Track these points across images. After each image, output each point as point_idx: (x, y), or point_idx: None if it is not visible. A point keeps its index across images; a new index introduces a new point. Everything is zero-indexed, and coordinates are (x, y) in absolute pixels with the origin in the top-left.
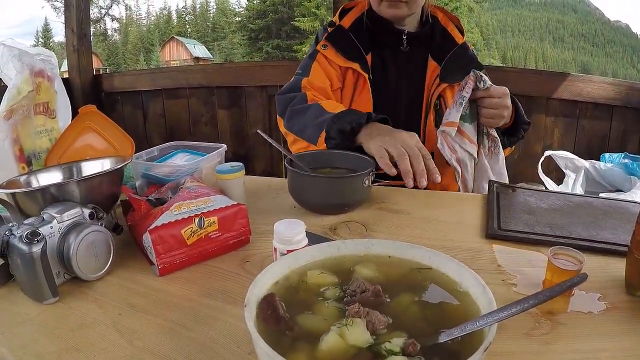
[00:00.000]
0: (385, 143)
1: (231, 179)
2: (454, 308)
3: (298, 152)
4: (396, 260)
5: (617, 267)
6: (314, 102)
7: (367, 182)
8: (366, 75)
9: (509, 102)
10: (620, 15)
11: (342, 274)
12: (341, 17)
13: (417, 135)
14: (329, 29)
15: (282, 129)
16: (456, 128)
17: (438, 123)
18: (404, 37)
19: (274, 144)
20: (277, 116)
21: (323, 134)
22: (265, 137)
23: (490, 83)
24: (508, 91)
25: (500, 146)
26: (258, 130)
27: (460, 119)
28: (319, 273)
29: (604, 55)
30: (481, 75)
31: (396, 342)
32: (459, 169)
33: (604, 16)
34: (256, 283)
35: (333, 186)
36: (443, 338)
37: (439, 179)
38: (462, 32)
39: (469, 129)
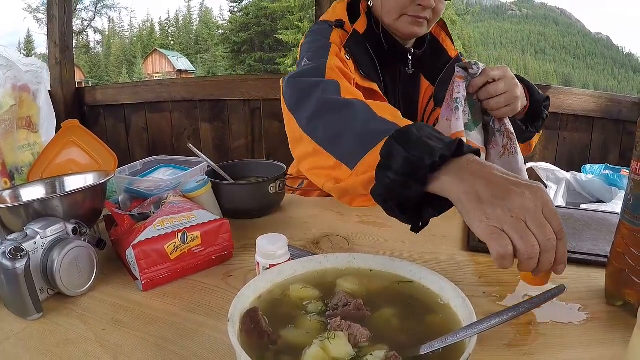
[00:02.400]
0: (503, 224)
1: (200, 194)
2: (435, 320)
3: (313, 172)
4: (378, 274)
5: (597, 277)
6: (355, 98)
7: (272, 189)
8: (386, 101)
9: (514, 79)
10: (601, 27)
11: (324, 288)
12: (350, 16)
13: (542, 190)
14: (340, 31)
15: (294, 130)
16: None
17: None
18: (410, 57)
19: (204, 158)
20: (286, 110)
21: (371, 156)
22: (195, 151)
23: (483, 65)
24: (507, 68)
25: (518, 144)
26: (189, 145)
27: (465, 128)
28: (302, 287)
29: (586, 67)
30: (469, 63)
31: (378, 354)
32: None
33: (585, 28)
34: (239, 298)
35: (239, 193)
36: (424, 350)
37: (562, 269)
38: (452, 40)
39: (475, 136)
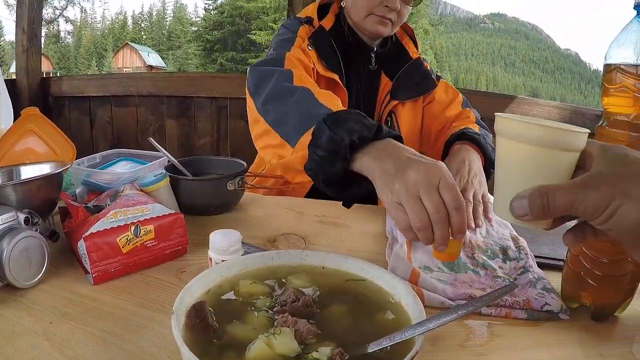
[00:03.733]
0: (401, 198)
1: (157, 188)
2: (385, 319)
3: (265, 150)
4: (330, 272)
5: (555, 280)
6: (302, 86)
7: (231, 185)
8: (345, 91)
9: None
10: (570, 44)
11: (274, 284)
12: (319, 14)
13: (442, 168)
14: (307, 27)
15: (253, 112)
16: None
17: None
18: (373, 55)
19: (164, 153)
20: (247, 95)
21: (307, 136)
22: (156, 146)
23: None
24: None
25: None
26: (150, 139)
27: None
28: (251, 282)
29: (553, 82)
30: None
31: (323, 351)
32: None
33: (554, 44)
34: (186, 291)
35: (197, 188)
36: (372, 348)
37: (461, 237)
38: (416, 46)
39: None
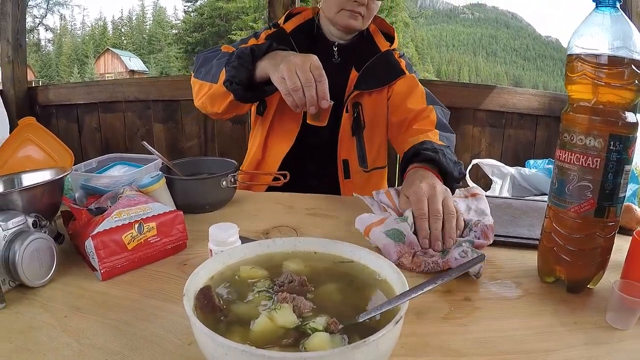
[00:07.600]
0: (283, 73)
1: (155, 189)
2: (373, 293)
3: (202, 100)
4: (321, 256)
5: (531, 258)
6: (227, 51)
7: (225, 183)
8: None
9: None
10: (551, 30)
11: (271, 269)
12: (286, 21)
13: (313, 56)
14: (271, 30)
15: (192, 83)
16: None
17: (355, 130)
18: (335, 49)
19: (158, 155)
20: (192, 74)
21: (224, 71)
22: (149, 149)
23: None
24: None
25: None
26: (143, 142)
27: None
28: (250, 268)
29: (535, 69)
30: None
31: (319, 321)
32: None
33: (535, 32)
34: (194, 275)
35: (192, 188)
36: (362, 317)
37: (325, 104)
38: (392, 40)
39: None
